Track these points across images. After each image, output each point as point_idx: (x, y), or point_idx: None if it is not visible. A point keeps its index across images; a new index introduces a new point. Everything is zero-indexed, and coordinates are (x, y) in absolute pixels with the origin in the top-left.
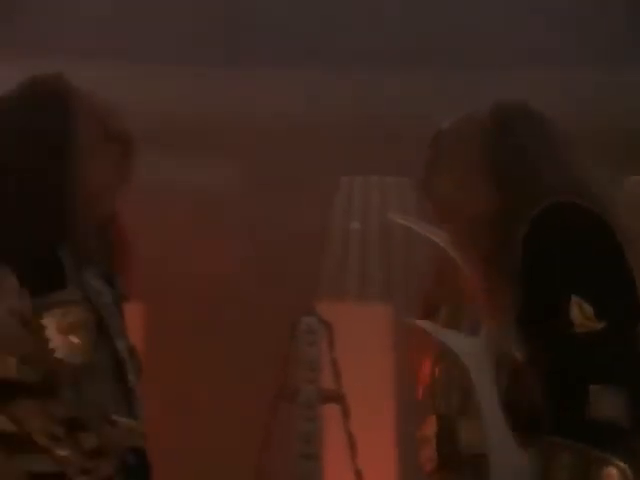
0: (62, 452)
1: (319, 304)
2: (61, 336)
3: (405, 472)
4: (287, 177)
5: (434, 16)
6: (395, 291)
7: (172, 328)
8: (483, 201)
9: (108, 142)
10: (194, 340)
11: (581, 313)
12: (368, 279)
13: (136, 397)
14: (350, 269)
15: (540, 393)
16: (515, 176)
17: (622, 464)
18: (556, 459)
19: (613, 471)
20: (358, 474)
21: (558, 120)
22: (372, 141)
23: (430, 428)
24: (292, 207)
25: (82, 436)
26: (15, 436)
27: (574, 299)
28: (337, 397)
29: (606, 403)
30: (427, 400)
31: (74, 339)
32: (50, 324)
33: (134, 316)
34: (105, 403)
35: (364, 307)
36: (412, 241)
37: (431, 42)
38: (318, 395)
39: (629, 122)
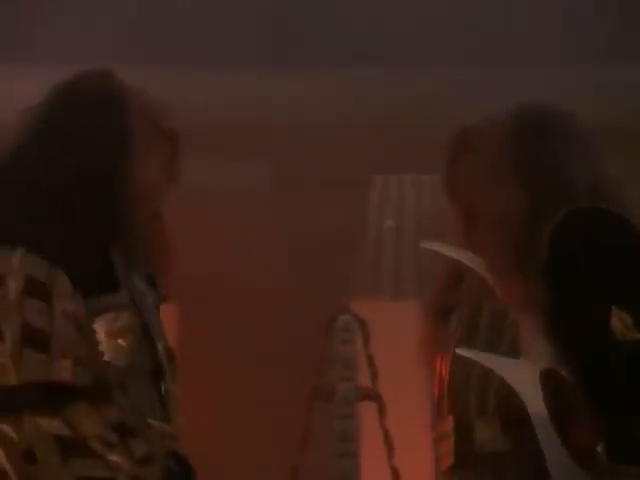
0: (115, 458)
1: (354, 302)
2: (109, 339)
3: None
4: (320, 176)
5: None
6: (430, 288)
7: (206, 329)
8: (504, 202)
9: (160, 140)
10: (228, 340)
11: (620, 322)
12: (402, 277)
13: (171, 400)
14: (385, 267)
15: (591, 412)
16: (539, 177)
17: None
18: None
19: None
20: (395, 472)
21: (587, 120)
22: (406, 139)
23: (447, 426)
24: (325, 206)
25: (133, 442)
26: (70, 441)
27: (614, 310)
28: (373, 395)
29: None
30: (444, 399)
31: (121, 342)
32: (100, 328)
33: (168, 317)
34: (144, 406)
35: (399, 305)
36: (447, 239)
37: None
38: (355, 393)
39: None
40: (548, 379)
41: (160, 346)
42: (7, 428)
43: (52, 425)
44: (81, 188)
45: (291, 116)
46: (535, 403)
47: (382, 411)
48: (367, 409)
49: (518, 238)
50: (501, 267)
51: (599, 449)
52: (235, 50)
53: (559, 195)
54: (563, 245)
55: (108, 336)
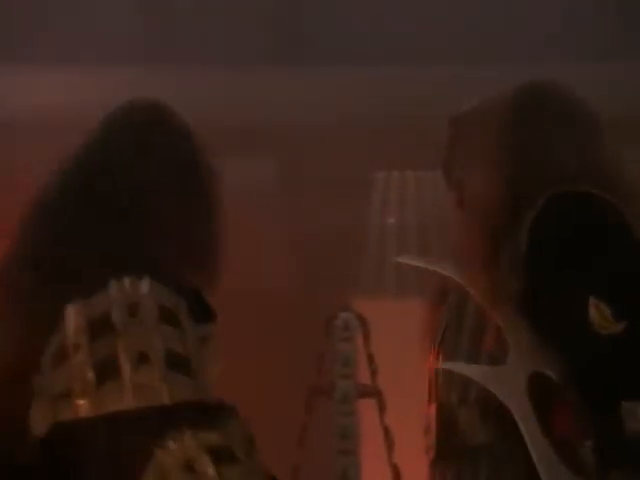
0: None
1: (355, 300)
2: None
3: None
4: (321, 175)
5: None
6: (431, 286)
7: None
8: (497, 184)
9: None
10: (229, 337)
11: (599, 314)
12: (404, 275)
13: None
14: (386, 264)
15: (577, 409)
16: (533, 160)
17: None
18: None
19: None
20: (395, 469)
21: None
22: (406, 136)
23: (431, 416)
24: (327, 205)
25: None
26: (221, 451)
27: (592, 300)
28: (373, 392)
29: None
30: (431, 390)
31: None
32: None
33: None
34: None
35: (400, 302)
36: (448, 236)
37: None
38: (354, 390)
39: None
40: (535, 384)
41: None
42: (172, 444)
43: (209, 438)
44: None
45: (291, 116)
46: (523, 411)
47: (382, 408)
48: (367, 406)
49: (498, 224)
50: (474, 258)
51: (587, 448)
52: (235, 49)
53: (543, 179)
54: (542, 231)
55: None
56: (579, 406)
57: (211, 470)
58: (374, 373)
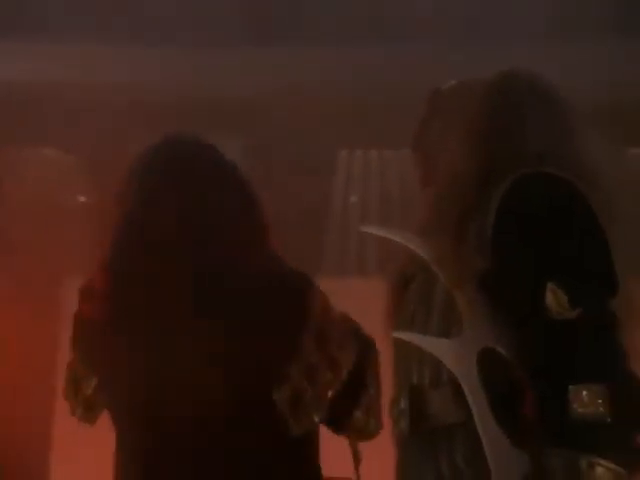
0: None
1: (318, 278)
2: None
3: None
4: (285, 153)
5: None
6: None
7: None
8: (467, 164)
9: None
10: None
11: (555, 300)
12: (367, 252)
13: None
14: (350, 243)
15: (527, 392)
16: (504, 144)
17: (610, 464)
18: (546, 464)
19: (602, 472)
20: (355, 455)
21: (561, 89)
22: (372, 113)
23: (401, 398)
24: (292, 183)
25: None
26: None
27: (549, 285)
28: None
29: (587, 402)
30: (399, 371)
31: None
32: None
33: None
34: None
35: (363, 280)
36: (411, 215)
37: (435, 15)
38: None
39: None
40: (485, 359)
41: None
42: None
43: None
44: None
45: (257, 95)
46: (471, 383)
47: None
48: None
49: (465, 204)
50: (440, 235)
51: (532, 425)
52: (204, 31)
53: (512, 161)
54: (509, 211)
55: None
56: (527, 384)
57: None
58: None
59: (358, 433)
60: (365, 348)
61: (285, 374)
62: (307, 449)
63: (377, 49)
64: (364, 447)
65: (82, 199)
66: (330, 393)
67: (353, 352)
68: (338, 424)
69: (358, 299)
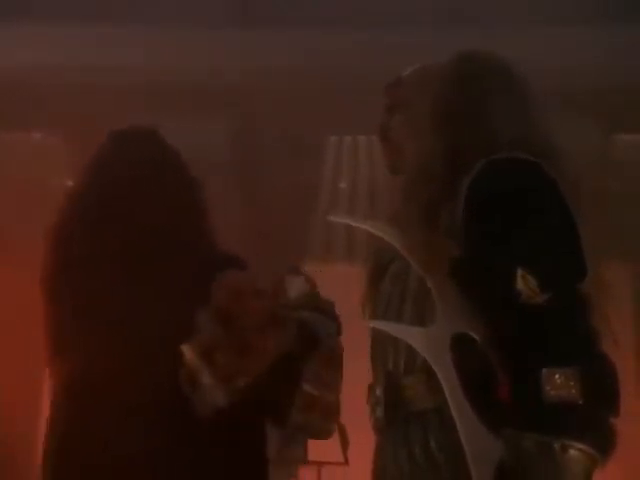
0: None
1: (305, 263)
2: None
3: None
4: (275, 137)
5: None
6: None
7: None
8: (434, 152)
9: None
10: None
11: (525, 284)
12: (354, 239)
13: None
14: (337, 229)
15: (501, 377)
16: (468, 128)
17: (581, 445)
18: (520, 448)
19: (576, 454)
20: (341, 429)
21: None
22: (361, 100)
23: (377, 385)
24: (281, 167)
25: None
26: None
27: (519, 271)
28: None
29: (560, 385)
30: (376, 358)
31: None
32: None
33: None
34: None
35: (350, 266)
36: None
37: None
38: None
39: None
40: (458, 344)
41: None
42: None
43: None
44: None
45: (245, 79)
46: (444, 369)
47: None
48: None
49: (434, 191)
50: (411, 224)
51: (505, 409)
52: (190, 13)
53: (480, 147)
54: (477, 197)
55: None
56: (500, 369)
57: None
58: None
59: (304, 432)
60: (308, 344)
61: (180, 352)
62: (228, 433)
63: (363, 32)
64: (354, 432)
65: (70, 183)
66: (242, 380)
67: (277, 343)
68: (275, 419)
69: (345, 285)
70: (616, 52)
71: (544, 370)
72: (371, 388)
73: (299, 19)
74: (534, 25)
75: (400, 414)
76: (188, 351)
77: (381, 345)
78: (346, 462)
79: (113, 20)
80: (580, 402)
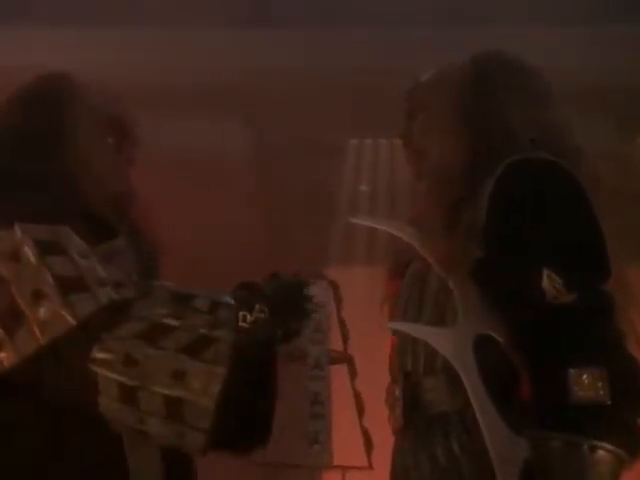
0: None
1: (327, 266)
2: None
3: None
4: (295, 140)
5: None
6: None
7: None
8: (455, 154)
9: (108, 131)
10: None
11: (551, 284)
12: (376, 241)
13: None
14: (358, 232)
15: (524, 377)
16: (488, 129)
17: (610, 446)
18: (547, 448)
19: (604, 455)
20: (366, 434)
21: (543, 70)
22: (381, 103)
23: (396, 386)
24: (302, 170)
25: None
26: None
27: (545, 270)
28: (345, 358)
29: (587, 385)
30: (395, 358)
31: None
32: None
33: None
34: None
35: (372, 269)
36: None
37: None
38: (326, 356)
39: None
40: (482, 346)
41: None
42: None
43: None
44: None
45: (263, 80)
46: (468, 370)
47: (353, 374)
48: (339, 372)
49: (457, 193)
50: (433, 226)
51: (529, 411)
52: (204, 13)
53: (501, 147)
54: (501, 198)
55: None
56: (525, 370)
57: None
58: (345, 339)
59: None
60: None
61: None
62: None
63: (381, 32)
64: (379, 435)
65: None
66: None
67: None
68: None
69: (366, 288)
70: (616, 52)
71: (571, 370)
72: (389, 389)
73: (316, 20)
74: (534, 25)
75: (421, 416)
76: None
77: (400, 345)
78: (370, 467)
79: (113, 20)
80: (608, 403)
